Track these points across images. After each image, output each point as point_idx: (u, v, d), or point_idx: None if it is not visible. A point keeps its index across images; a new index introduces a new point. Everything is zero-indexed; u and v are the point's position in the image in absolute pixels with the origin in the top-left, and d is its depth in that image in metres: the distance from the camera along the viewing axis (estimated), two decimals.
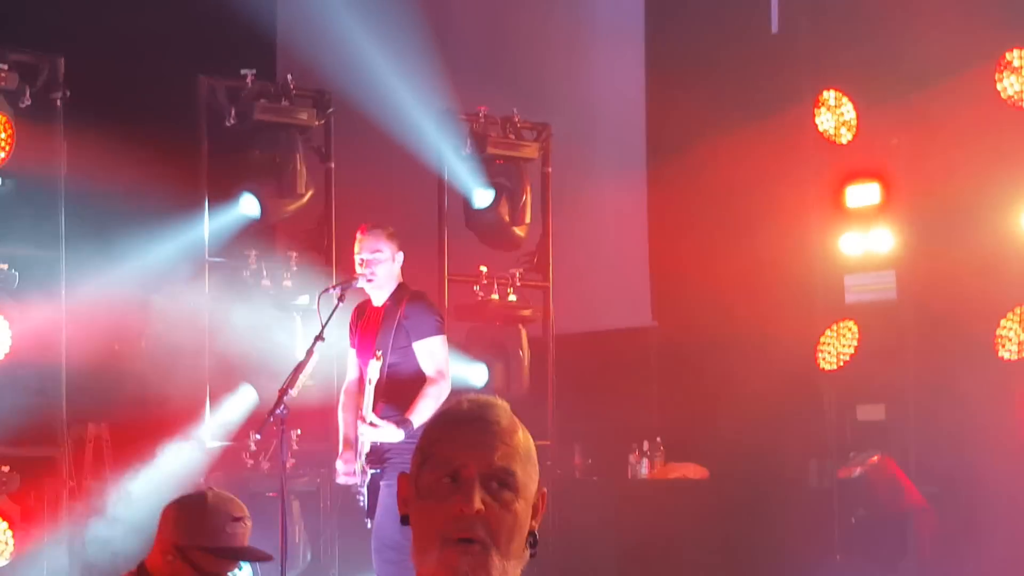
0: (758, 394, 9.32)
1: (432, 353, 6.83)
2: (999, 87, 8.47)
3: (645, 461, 9.82)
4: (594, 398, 10.38)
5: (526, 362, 10.04)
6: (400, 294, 6.97)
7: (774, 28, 9.54)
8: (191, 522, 4.15)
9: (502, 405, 2.48)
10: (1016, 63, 8.43)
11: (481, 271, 10.02)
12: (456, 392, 6.87)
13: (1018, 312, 8.49)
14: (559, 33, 10.93)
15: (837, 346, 9.29)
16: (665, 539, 9.15)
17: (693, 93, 9.51)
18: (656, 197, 10.76)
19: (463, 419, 2.44)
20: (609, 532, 9.34)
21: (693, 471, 9.73)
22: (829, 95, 9.23)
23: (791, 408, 9.30)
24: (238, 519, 4.18)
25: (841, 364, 9.24)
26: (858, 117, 9.14)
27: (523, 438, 2.46)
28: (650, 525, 9.25)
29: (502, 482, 2.39)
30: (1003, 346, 8.55)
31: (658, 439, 9.88)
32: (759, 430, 9.31)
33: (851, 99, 9.15)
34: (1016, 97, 8.44)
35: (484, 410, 2.44)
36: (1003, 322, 8.52)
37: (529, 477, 2.43)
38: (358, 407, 6.83)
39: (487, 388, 9.54)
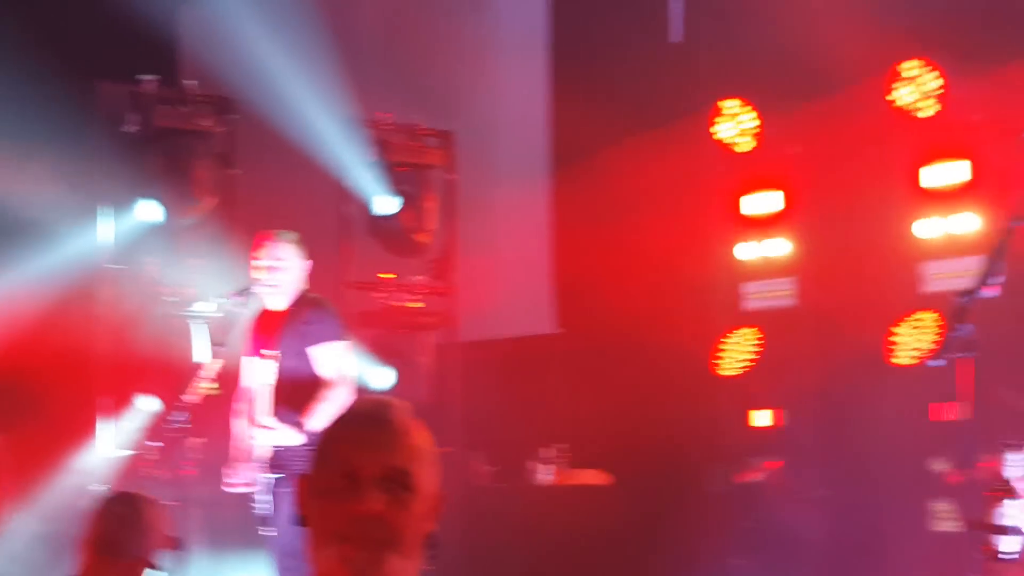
0: (660, 400, 9.42)
1: (333, 358, 6.82)
2: (892, 96, 8.66)
3: (549, 467, 9.87)
4: (499, 405, 10.41)
5: (430, 369, 10.05)
6: (302, 300, 6.96)
7: (675, 37, 9.66)
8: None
9: (400, 406, 2.50)
10: (908, 74, 8.62)
11: (385, 278, 10.02)
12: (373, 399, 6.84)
13: (910, 319, 8.68)
14: (464, 41, 10.96)
15: (737, 352, 9.43)
16: (569, 545, 9.20)
17: (595, 102, 9.59)
18: (560, 205, 10.82)
19: (361, 419, 2.46)
20: (513, 538, 9.37)
21: (597, 477, 9.80)
22: (730, 104, 9.38)
23: (692, 414, 9.40)
24: None
25: (741, 370, 9.39)
26: (760, 125, 9.30)
27: (421, 439, 2.47)
28: (554, 531, 9.29)
29: (400, 482, 2.39)
30: (896, 352, 8.74)
31: (562, 445, 9.94)
32: (662, 436, 9.40)
33: (753, 107, 9.31)
34: (909, 107, 8.64)
35: (382, 410, 2.46)
36: (896, 329, 8.71)
37: (427, 478, 2.44)
38: (254, 413, 6.82)
39: (390, 395, 9.51)
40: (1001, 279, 3.80)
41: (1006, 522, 3.84)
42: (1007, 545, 3.81)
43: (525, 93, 10.89)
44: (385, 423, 2.44)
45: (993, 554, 3.83)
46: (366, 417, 2.46)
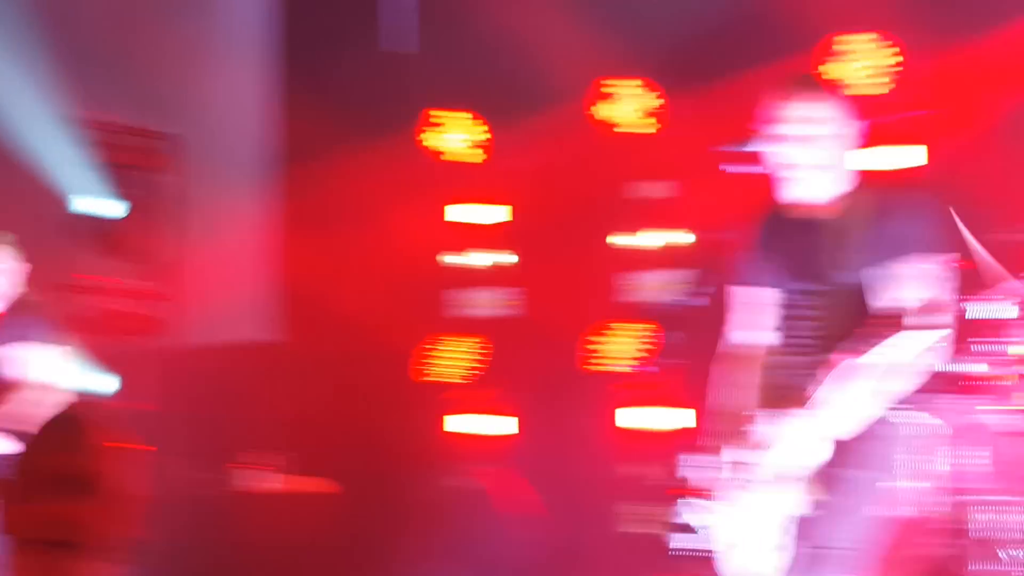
0: (380, 407, 9.49)
1: (46, 363, 6.66)
2: (594, 111, 8.98)
3: (269, 475, 9.81)
4: (221, 412, 10.27)
5: (152, 375, 9.87)
6: (18, 304, 6.78)
7: (404, 47, 9.75)
8: None
9: (98, 409, 2.52)
10: (608, 91, 8.97)
11: (106, 282, 9.80)
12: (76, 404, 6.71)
13: (620, 328, 9.02)
14: (191, 43, 10.80)
15: (453, 360, 9.62)
16: (287, 552, 9.17)
17: (323, 107, 9.59)
18: (285, 210, 10.77)
19: (55, 423, 2.47)
20: (230, 547, 9.28)
21: (318, 485, 9.79)
22: (454, 115, 9.55)
23: (410, 421, 9.51)
24: None
25: (457, 378, 9.58)
26: (482, 137, 9.49)
27: (109, 440, 2.49)
28: (273, 539, 9.24)
29: (84, 484, 2.41)
30: (591, 360, 9.07)
31: (284, 453, 9.89)
32: (379, 443, 9.48)
33: (477, 119, 9.49)
34: (624, 124, 8.98)
35: (75, 414, 2.48)
36: (593, 337, 9.04)
37: (120, 481, 2.47)
38: None
39: (109, 401, 9.33)
40: (710, 289, 4.00)
41: (684, 521, 4.03)
42: (684, 542, 4.01)
43: (253, 97, 10.80)
44: (77, 427, 2.45)
45: (673, 551, 4.03)
46: (60, 421, 2.47)
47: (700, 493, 4.11)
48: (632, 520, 8.49)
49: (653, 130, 8.88)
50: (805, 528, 4.15)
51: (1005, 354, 6.09)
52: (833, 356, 4.10)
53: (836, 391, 4.04)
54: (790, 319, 4.34)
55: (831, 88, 4.34)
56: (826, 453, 4.09)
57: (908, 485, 4.16)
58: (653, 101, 8.85)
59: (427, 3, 9.89)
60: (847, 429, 4.05)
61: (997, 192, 7.53)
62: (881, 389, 4.00)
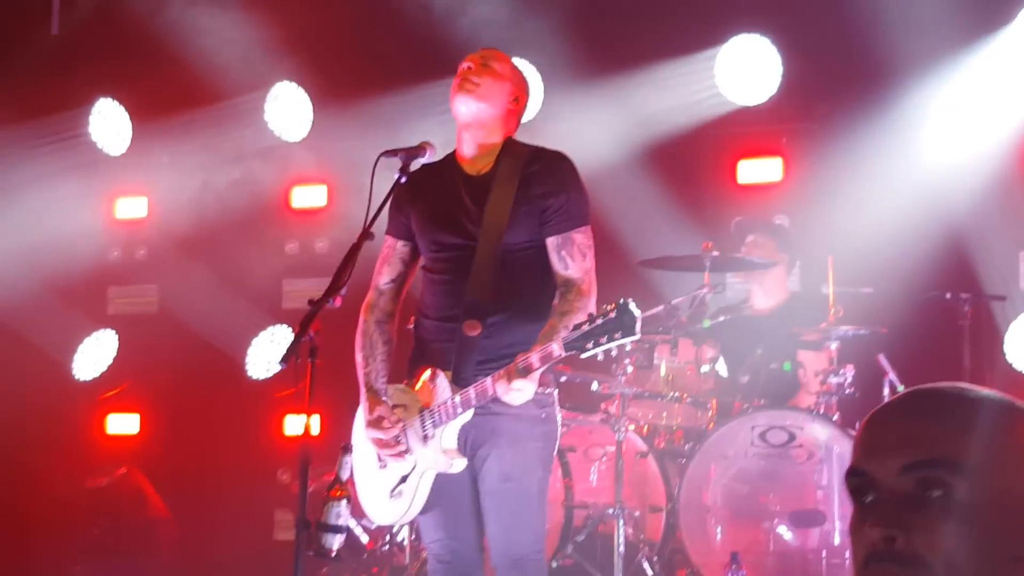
0: (13, 402, 9.08)
1: None
2: (265, 115, 8.92)
3: None
4: None
5: None
6: None
7: (55, 29, 9.38)
8: None
9: None
10: (279, 94, 8.90)
11: None
12: None
13: (269, 332, 8.95)
14: None
15: (95, 356, 9.31)
16: None
17: None
18: None
19: None
20: None
21: None
22: (105, 103, 9.23)
23: (48, 417, 9.12)
24: None
25: (98, 374, 9.27)
26: (132, 129, 9.21)
27: None
28: None
29: None
30: (256, 365, 8.98)
31: None
32: (13, 438, 9.07)
33: (127, 110, 9.22)
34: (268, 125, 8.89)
35: None
36: (255, 341, 8.95)
37: None
38: None
39: None
40: (342, 291, 3.96)
41: (339, 521, 3.95)
42: (334, 543, 3.92)
43: None
44: None
45: (323, 552, 3.93)
46: None
47: (347, 492, 4.01)
48: (286, 527, 8.45)
49: (307, 135, 8.85)
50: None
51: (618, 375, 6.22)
52: (471, 321, 4.06)
53: (472, 361, 4.02)
54: (433, 274, 4.26)
55: (503, 61, 4.33)
56: (462, 419, 4.05)
57: (532, 476, 4.13)
58: (305, 106, 8.80)
59: None
60: (477, 401, 4.02)
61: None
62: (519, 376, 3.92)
